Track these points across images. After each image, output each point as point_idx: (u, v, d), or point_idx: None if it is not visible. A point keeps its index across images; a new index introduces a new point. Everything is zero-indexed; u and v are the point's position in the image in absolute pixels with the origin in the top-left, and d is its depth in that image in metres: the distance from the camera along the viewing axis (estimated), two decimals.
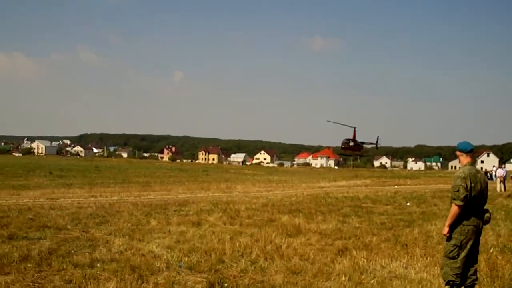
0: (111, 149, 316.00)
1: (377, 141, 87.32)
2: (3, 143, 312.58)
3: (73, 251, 13.14)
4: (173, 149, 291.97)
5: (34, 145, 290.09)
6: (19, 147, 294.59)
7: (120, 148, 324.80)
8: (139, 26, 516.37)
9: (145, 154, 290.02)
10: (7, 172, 71.10)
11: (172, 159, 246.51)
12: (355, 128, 79.42)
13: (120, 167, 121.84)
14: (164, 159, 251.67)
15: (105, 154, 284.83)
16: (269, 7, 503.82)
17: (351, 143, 79.97)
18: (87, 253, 12.81)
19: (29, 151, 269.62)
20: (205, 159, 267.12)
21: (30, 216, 20.07)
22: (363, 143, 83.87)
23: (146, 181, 60.86)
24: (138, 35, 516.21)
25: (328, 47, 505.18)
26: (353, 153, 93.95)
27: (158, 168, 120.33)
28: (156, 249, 13.67)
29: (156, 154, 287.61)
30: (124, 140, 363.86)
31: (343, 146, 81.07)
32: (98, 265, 11.73)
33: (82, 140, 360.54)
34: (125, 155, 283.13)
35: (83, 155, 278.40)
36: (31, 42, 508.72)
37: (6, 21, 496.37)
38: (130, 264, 11.80)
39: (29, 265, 11.45)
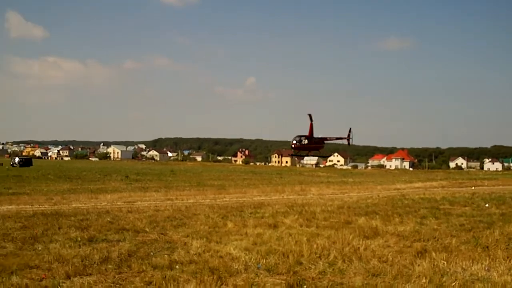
0: (186, 152, 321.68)
1: (349, 136, 70.81)
2: (80, 149, 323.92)
3: (152, 253, 13.52)
4: (247, 152, 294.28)
5: (110, 150, 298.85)
6: (96, 152, 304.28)
7: (194, 151, 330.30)
8: (211, 31, 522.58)
9: (219, 158, 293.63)
10: (84, 176, 73.66)
11: (246, 162, 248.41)
12: (311, 121, 65.64)
13: (195, 170, 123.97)
14: (237, 162, 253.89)
15: (179, 158, 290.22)
16: (338, 10, 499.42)
17: (305, 141, 65.45)
18: (166, 255, 13.14)
19: (105, 156, 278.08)
20: (279, 161, 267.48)
21: (108, 219, 20.76)
22: (324, 139, 68.97)
23: (221, 184, 61.68)
24: (211, 41, 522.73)
25: (399, 47, 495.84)
26: (309, 153, 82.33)
27: (232, 171, 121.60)
28: (233, 251, 13.86)
29: (229, 157, 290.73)
30: (198, 144, 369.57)
31: (293, 145, 66.31)
32: (177, 266, 12.02)
33: (157, 144, 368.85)
34: (199, 158, 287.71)
35: (158, 159, 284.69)
36: (104, 49, 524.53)
37: (80, 29, 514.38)
38: (209, 266, 12.04)
39: (109, 266, 11.87)
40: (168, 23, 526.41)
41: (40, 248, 13.86)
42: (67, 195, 36.36)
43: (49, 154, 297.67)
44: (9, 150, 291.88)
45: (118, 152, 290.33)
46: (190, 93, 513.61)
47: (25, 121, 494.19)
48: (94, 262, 12.15)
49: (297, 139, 63.52)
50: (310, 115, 63.98)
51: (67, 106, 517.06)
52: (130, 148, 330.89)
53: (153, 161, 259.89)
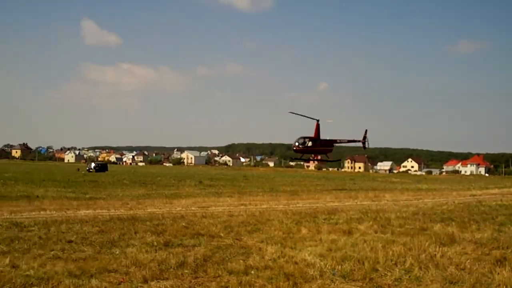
0: (258, 158, 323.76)
1: (364, 138, 67.98)
2: (154, 154, 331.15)
3: (227, 258, 13.69)
4: (319, 157, 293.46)
5: (183, 155, 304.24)
6: (170, 157, 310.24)
7: (266, 157, 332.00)
8: (283, 37, 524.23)
9: (291, 163, 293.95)
10: (159, 181, 75.19)
11: (318, 167, 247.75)
12: (318, 121, 63.32)
13: (267, 176, 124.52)
14: (310, 168, 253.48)
15: (252, 163, 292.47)
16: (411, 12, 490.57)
17: (309, 143, 63.22)
18: (241, 260, 13.27)
19: (179, 161, 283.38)
20: (351, 167, 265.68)
21: (184, 224, 21.10)
22: (333, 141, 66.36)
23: (294, 190, 61.64)
24: (282, 46, 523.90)
25: (474, 49, 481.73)
26: (315, 157, 73.12)
27: (305, 177, 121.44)
28: (308, 257, 13.85)
29: (302, 163, 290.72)
30: (270, 149, 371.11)
31: (296, 148, 64.23)
32: (253, 272, 12.12)
33: (229, 149, 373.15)
34: (271, 164, 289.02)
35: (231, 164, 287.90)
36: (176, 56, 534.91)
37: (152, 36, 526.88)
38: (284, 271, 12.08)
39: (186, 271, 12.07)
40: (240, 29, 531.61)
41: (117, 252, 14.24)
42: (142, 200, 37.16)
43: (123, 160, 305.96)
44: (85, 156, 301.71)
45: (191, 158, 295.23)
46: (262, 98, 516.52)
47: (101, 127, 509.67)
48: (171, 267, 12.38)
49: (301, 141, 63.22)
50: (317, 121, 62.38)
51: (141, 112, 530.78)
52: (203, 153, 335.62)
53: (226, 166, 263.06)
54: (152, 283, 10.97)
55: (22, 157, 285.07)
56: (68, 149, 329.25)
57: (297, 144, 63.25)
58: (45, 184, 56.44)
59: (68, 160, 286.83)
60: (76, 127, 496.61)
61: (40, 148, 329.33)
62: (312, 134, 63.48)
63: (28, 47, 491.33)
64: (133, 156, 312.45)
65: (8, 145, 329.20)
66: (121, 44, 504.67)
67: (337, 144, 67.02)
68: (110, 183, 65.24)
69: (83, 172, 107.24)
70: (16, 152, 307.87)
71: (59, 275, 11.26)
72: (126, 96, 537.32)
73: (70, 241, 16.08)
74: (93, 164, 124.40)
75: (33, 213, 25.58)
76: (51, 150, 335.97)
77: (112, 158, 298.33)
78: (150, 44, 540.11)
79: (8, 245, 15.10)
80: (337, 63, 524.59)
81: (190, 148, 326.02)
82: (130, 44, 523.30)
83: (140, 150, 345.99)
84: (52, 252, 14.02)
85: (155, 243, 15.84)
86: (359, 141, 67.55)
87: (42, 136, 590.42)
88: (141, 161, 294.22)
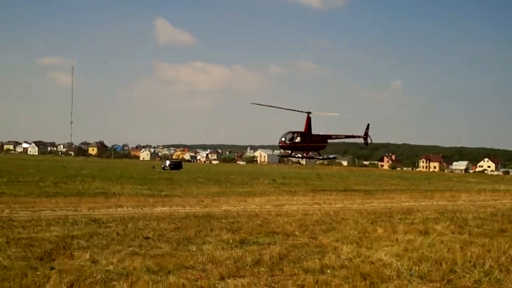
0: (331, 157, 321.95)
1: (366, 134, 60.69)
2: (228, 152, 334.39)
3: (303, 257, 13.71)
4: (393, 157, 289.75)
5: (256, 153, 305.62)
6: (243, 155, 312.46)
7: (339, 156, 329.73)
8: (355, 34, 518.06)
9: (365, 162, 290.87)
10: (233, 179, 75.82)
11: (392, 167, 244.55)
12: (308, 114, 56.09)
13: (341, 175, 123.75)
14: (384, 167, 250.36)
15: (325, 162, 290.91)
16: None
17: (297, 138, 55.87)
18: (317, 259, 13.27)
19: (252, 160, 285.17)
20: (426, 167, 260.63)
21: (258, 222, 21.27)
22: (327, 136, 58.80)
23: (368, 189, 60.94)
24: (355, 44, 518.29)
25: None
26: (306, 154, 63.36)
27: (379, 176, 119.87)
28: (384, 257, 13.79)
29: (375, 162, 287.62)
30: (343, 148, 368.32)
31: (281, 144, 56.50)
32: (329, 271, 12.13)
33: None
34: (345, 163, 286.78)
35: (304, 163, 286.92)
36: (249, 54, 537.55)
37: (225, 35, 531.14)
38: (360, 271, 12.05)
39: (262, 269, 12.16)
40: (312, 27, 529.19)
41: (194, 249, 14.49)
42: (217, 198, 37.63)
43: (198, 158, 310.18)
44: (160, 154, 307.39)
45: (264, 156, 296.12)
46: (335, 97, 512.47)
47: (175, 125, 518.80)
48: (247, 264, 12.51)
49: (288, 136, 55.69)
50: (308, 114, 55.43)
51: (214, 110, 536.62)
52: (276, 151, 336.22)
53: (298, 165, 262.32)
54: (229, 280, 11.10)
55: (99, 155, 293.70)
56: (143, 147, 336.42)
57: (283, 139, 55.68)
58: (121, 181, 57.92)
59: (143, 158, 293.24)
60: (151, 126, 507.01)
61: (116, 146, 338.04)
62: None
63: (103, 47, 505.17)
64: (207, 154, 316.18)
65: (85, 143, 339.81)
66: (194, 43, 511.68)
67: (331, 140, 59.91)
68: (185, 181, 66.27)
69: (158, 169, 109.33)
70: (93, 149, 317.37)
71: (137, 270, 11.56)
72: (200, 94, 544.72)
73: (147, 238, 16.47)
74: (168, 162, 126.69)
75: (111, 209, 26.36)
76: (126, 148, 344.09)
77: (187, 156, 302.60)
78: (224, 43, 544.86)
79: (87, 241, 15.61)
80: (411, 61, 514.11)
81: (263, 147, 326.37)
82: (203, 43, 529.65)
83: (213, 148, 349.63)
84: (130, 248, 14.40)
85: (231, 241, 16.05)
86: (359, 136, 61.09)
87: (118, 134, 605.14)
88: (215, 159, 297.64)
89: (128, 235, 17.06)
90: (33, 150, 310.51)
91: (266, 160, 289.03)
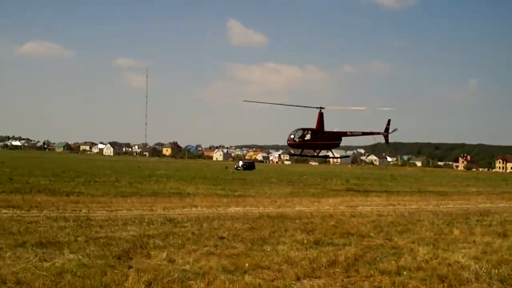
0: (405, 158, 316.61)
1: (387, 130, 56.86)
2: None
3: (378, 258, 13.60)
4: (468, 157, 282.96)
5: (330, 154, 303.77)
6: None
7: (413, 156, 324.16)
8: (429, 33, 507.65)
9: (439, 163, 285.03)
10: (305, 180, 75.52)
11: (468, 167, 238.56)
12: (320, 109, 52.00)
13: (415, 175, 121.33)
14: (459, 168, 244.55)
15: (399, 163, 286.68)
16: None
17: (307, 136, 51.70)
18: (392, 261, 13.15)
19: (325, 160, 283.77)
20: (503, 167, 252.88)
21: (333, 223, 21.20)
22: (341, 133, 54.65)
23: (443, 190, 59.50)
24: (429, 43, 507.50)
25: None
26: (318, 153, 57.99)
27: (454, 177, 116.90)
28: (462, 260, 13.54)
29: (450, 162, 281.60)
30: (417, 149, 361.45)
31: (290, 142, 52.13)
32: (405, 273, 11.99)
33: (376, 149, 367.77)
34: (419, 163, 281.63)
35: (377, 164, 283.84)
36: (322, 54, 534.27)
37: (297, 35, 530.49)
38: (437, 273, 11.91)
39: (337, 270, 12.13)
40: (386, 26, 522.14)
41: (268, 250, 14.56)
42: (290, 198, 37.56)
43: (270, 158, 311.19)
44: (233, 154, 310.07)
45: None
46: (409, 97, 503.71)
47: (248, 126, 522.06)
48: (322, 265, 12.48)
49: (299, 133, 51.46)
50: (320, 109, 51.45)
51: (287, 111, 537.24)
52: (349, 152, 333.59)
53: (372, 165, 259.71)
54: (305, 281, 11.12)
55: (172, 155, 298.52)
56: (216, 147, 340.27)
57: (292, 137, 51.41)
58: (195, 182, 58.62)
59: (217, 158, 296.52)
60: (224, 126, 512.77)
61: (190, 147, 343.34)
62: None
63: (177, 48, 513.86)
64: (279, 155, 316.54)
65: (159, 144, 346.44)
66: (267, 44, 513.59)
67: (346, 137, 54.95)
68: (258, 181, 66.47)
69: (231, 170, 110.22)
70: (167, 150, 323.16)
71: (214, 270, 11.70)
72: (272, 95, 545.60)
73: (222, 238, 16.64)
74: (241, 163, 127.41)
75: (185, 209, 26.76)
76: (200, 148, 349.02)
77: (259, 156, 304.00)
78: (296, 43, 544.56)
79: (163, 240, 15.90)
80: (487, 60, 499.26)
81: (339, 147, 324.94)
82: (276, 44, 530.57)
83: (286, 149, 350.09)
84: (205, 248, 14.59)
85: (305, 241, 16.06)
86: (379, 133, 56.62)
87: (191, 135, 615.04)
88: (287, 160, 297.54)
89: (203, 234, 17.29)
90: (108, 150, 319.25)
91: (338, 161, 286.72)
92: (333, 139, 53.72)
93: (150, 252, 13.73)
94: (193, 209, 27.10)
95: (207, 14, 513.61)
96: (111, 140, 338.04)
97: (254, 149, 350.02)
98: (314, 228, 19.28)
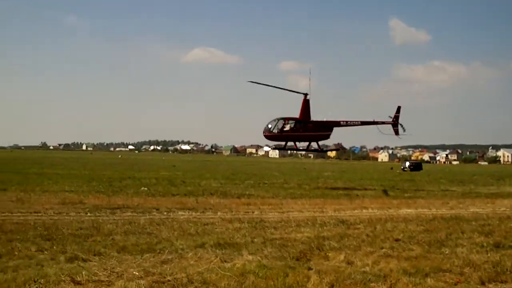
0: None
1: (396, 119, 49.19)
2: (468, 152, 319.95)
3: None
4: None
5: (499, 153, 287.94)
6: (484, 155, 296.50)
7: None
8: None
9: None
10: (476, 180, 72.16)
11: None
12: (305, 95, 46.09)
13: None
14: None
15: None
16: None
17: (286, 126, 45.39)
18: None
19: (495, 160, 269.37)
20: None
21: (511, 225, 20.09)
22: (333, 123, 47.62)
23: None
24: None
25: None
26: (308, 147, 51.61)
27: None
28: None
29: None
30: None
31: (266, 133, 45.58)
32: None
33: None
34: None
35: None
36: (489, 51, 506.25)
37: (462, 31, 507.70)
38: None
39: None
40: None
41: (447, 252, 14.14)
42: (462, 199, 36.09)
43: (437, 158, 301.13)
44: (398, 155, 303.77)
45: (508, 156, 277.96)
46: None
47: (413, 125, 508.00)
48: (507, 269, 11.89)
49: (278, 123, 44.89)
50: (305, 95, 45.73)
51: (453, 109, 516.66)
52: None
53: None
54: (490, 285, 10.72)
55: (337, 157, 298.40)
56: (381, 148, 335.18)
57: (269, 127, 45.24)
58: (362, 184, 58.17)
59: (382, 159, 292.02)
60: (387, 126, 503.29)
61: (354, 148, 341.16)
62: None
63: (340, 50, 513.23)
64: (446, 155, 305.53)
65: (323, 145, 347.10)
66: (429, 41, 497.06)
67: (339, 127, 48.01)
68: (427, 182, 64.61)
69: (397, 171, 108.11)
70: (331, 152, 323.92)
71: (394, 272, 11.53)
72: (437, 93, 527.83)
73: (397, 240, 16.39)
74: (407, 163, 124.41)
75: (356, 211, 26.69)
76: (364, 149, 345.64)
77: (425, 157, 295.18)
78: (460, 39, 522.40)
79: (338, 242, 15.94)
80: None
81: (506, 146, 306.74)
82: (439, 41, 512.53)
83: (453, 148, 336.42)
84: (382, 250, 14.43)
85: (485, 244, 15.43)
86: (383, 123, 49.35)
87: (355, 136, 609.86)
88: (455, 160, 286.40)
89: (378, 236, 17.12)
90: (273, 153, 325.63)
91: (510, 160, 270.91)
92: (320, 130, 47.17)
93: (327, 254, 13.80)
94: (364, 210, 26.95)
95: (368, 16, 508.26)
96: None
97: (419, 149, 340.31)
98: (492, 230, 18.42)
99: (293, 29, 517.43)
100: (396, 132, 49.20)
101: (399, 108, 49.33)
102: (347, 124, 48.01)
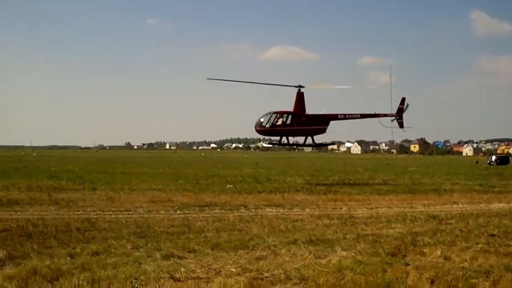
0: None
1: (400, 111, 45.90)
2: None
3: None
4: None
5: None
6: None
7: None
8: None
9: None
10: None
11: None
12: (299, 88, 43.11)
13: None
14: None
15: None
16: None
17: (280, 120, 42.47)
18: None
19: None
20: None
21: None
22: (331, 116, 44.64)
23: None
24: None
25: None
26: (304, 142, 46.40)
27: None
28: None
29: None
30: None
31: (258, 127, 42.70)
32: None
33: None
34: None
35: None
36: None
37: None
38: None
39: None
40: None
41: None
42: None
43: None
44: (483, 149, 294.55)
45: None
46: None
47: (498, 119, 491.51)
48: None
49: (269, 118, 42.21)
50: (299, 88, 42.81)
51: None
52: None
53: None
54: None
55: (420, 152, 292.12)
56: (466, 142, 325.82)
57: (261, 121, 42.74)
58: (449, 178, 56.68)
59: (466, 154, 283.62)
60: (472, 120, 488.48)
61: (438, 143, 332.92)
62: None
63: (418, 45, 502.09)
64: None
65: (406, 140, 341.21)
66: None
67: (337, 120, 45.08)
68: None
69: (484, 165, 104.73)
70: (414, 147, 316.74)
71: (494, 268, 11.24)
72: None
73: (492, 235, 16.01)
74: (494, 157, 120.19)
75: (445, 206, 26.19)
76: (448, 144, 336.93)
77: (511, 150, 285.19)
78: None
79: (431, 237, 15.69)
80: None
81: None
82: None
83: None
84: (479, 246, 14.09)
85: None
86: (386, 115, 46.12)
87: (438, 130, 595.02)
88: None
89: (472, 231, 16.75)
90: (356, 149, 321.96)
91: None
92: (315, 124, 44.45)
93: (423, 250, 13.59)
94: (454, 205, 26.41)
95: (448, 10, 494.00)
96: (358, 139, 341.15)
97: (506, 142, 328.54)
98: None
99: (370, 24, 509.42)
100: (401, 125, 46.64)
101: (403, 99, 46.86)
102: (345, 117, 46.03)
